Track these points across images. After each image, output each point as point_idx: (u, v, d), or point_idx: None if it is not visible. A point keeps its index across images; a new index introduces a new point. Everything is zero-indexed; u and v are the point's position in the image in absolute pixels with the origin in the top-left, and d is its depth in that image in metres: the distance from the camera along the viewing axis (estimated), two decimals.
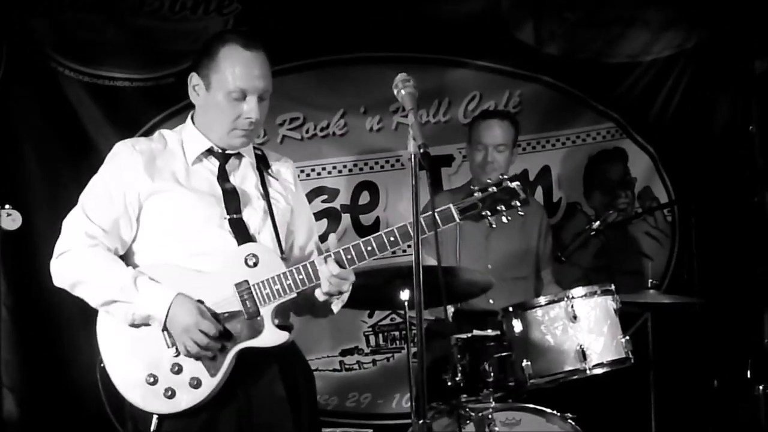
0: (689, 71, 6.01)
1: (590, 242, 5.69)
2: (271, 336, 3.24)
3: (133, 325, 3.22)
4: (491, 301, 4.82)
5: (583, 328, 4.22)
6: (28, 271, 4.82)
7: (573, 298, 4.24)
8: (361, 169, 5.64)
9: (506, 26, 5.78)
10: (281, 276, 3.24)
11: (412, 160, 2.98)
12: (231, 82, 3.28)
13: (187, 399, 3.19)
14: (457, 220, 3.27)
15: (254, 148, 3.52)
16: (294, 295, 3.25)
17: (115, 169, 3.34)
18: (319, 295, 3.28)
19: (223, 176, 3.37)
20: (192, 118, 3.45)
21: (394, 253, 3.39)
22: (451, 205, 3.28)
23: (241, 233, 3.30)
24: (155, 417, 3.19)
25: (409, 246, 3.15)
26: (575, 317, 4.22)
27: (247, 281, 3.23)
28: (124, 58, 5.24)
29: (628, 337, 4.28)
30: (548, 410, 4.22)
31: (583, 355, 4.17)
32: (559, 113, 5.90)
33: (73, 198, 3.38)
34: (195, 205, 3.29)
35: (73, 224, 3.30)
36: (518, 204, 3.30)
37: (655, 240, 6.07)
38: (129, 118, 5.22)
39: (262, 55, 3.34)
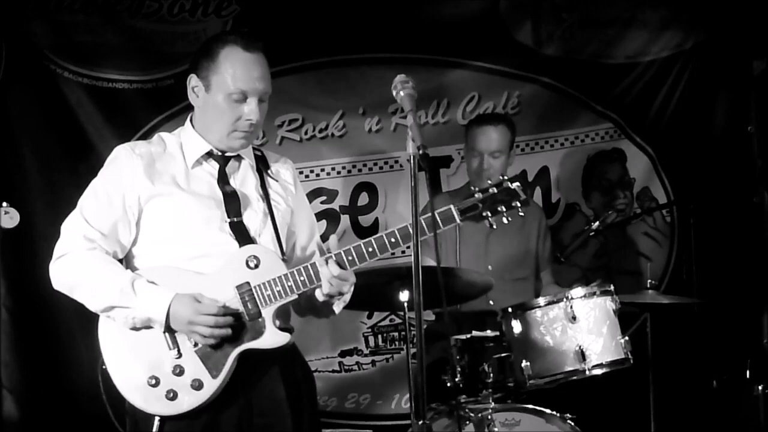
0: (688, 72, 6.02)
1: (589, 243, 5.71)
2: (272, 337, 3.24)
3: (134, 329, 3.22)
4: (491, 302, 4.83)
5: (583, 329, 4.23)
6: (28, 272, 4.82)
7: (572, 298, 4.25)
8: (359, 170, 5.64)
9: (505, 27, 5.78)
10: (282, 277, 3.23)
11: (411, 161, 2.97)
12: (231, 84, 3.28)
13: (188, 400, 3.19)
14: (458, 221, 3.27)
15: (254, 149, 3.52)
16: (295, 296, 3.25)
17: (114, 172, 3.33)
18: (320, 296, 3.28)
19: (223, 179, 3.37)
20: (191, 120, 3.45)
21: (393, 254, 3.39)
22: (451, 206, 3.28)
23: (242, 236, 3.30)
24: (157, 419, 3.19)
25: (408, 247, 3.15)
26: (574, 318, 4.22)
27: (248, 283, 3.23)
28: (123, 59, 5.24)
29: (627, 338, 4.29)
30: (548, 411, 4.22)
31: (582, 356, 4.18)
32: (557, 114, 5.90)
33: (72, 199, 3.38)
34: (195, 208, 3.29)
35: (71, 228, 3.29)
36: (519, 205, 3.30)
37: (653, 240, 6.08)
38: (128, 120, 5.22)
39: (262, 56, 3.34)
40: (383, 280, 4.13)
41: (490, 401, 4.23)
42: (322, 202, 5.54)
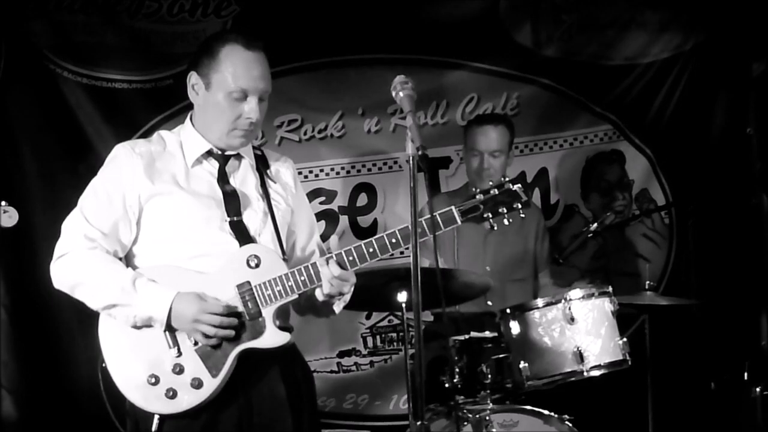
0: (687, 73, 6.02)
1: (588, 244, 5.71)
2: (272, 337, 3.24)
3: (135, 327, 3.22)
4: (489, 302, 4.83)
5: (581, 330, 4.23)
6: (27, 272, 4.83)
7: (570, 300, 4.25)
8: (359, 170, 5.64)
9: (504, 28, 5.78)
10: (283, 277, 3.24)
11: (411, 161, 2.97)
12: (232, 82, 3.28)
13: (188, 399, 3.19)
14: (459, 222, 3.27)
15: (254, 148, 3.52)
16: (295, 296, 3.26)
17: (114, 171, 3.33)
18: (320, 295, 3.28)
19: (223, 178, 3.37)
20: (191, 118, 3.45)
21: (392, 255, 3.39)
22: (453, 207, 3.28)
23: (242, 235, 3.30)
24: (156, 417, 3.19)
25: (407, 248, 3.15)
26: (573, 319, 4.23)
27: (249, 282, 3.24)
28: (123, 59, 5.24)
29: (625, 339, 4.29)
30: (546, 412, 4.23)
31: (580, 357, 4.18)
32: (556, 115, 5.90)
33: (71, 199, 3.38)
34: (195, 207, 3.29)
35: (72, 227, 3.29)
36: (520, 206, 3.30)
37: (652, 242, 6.08)
38: (127, 120, 5.22)
39: (262, 55, 3.34)
40: (382, 281, 4.13)
41: (489, 402, 4.23)
42: (321, 203, 5.54)
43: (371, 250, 3.25)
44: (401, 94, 3.10)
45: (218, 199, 3.33)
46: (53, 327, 5.02)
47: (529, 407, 4.24)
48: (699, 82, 6.02)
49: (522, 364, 4.20)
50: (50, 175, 5.10)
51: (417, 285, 2.96)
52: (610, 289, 4.36)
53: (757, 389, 5.13)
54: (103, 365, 3.25)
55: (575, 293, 4.29)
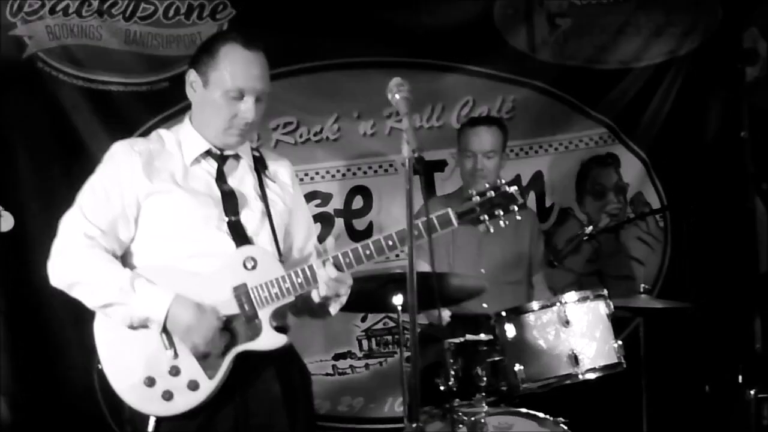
0: (681, 77, 6.04)
1: (583, 247, 5.72)
2: (269, 339, 3.24)
3: (132, 328, 3.21)
4: (484, 305, 4.83)
5: (576, 333, 4.23)
6: (21, 275, 4.81)
7: (565, 303, 4.25)
8: (354, 173, 5.64)
9: (499, 32, 5.80)
10: (279, 279, 3.24)
11: (406, 164, 2.97)
12: (229, 81, 3.28)
13: (184, 401, 3.19)
14: (455, 224, 3.28)
15: (252, 149, 3.52)
16: (292, 298, 3.26)
17: (113, 169, 3.33)
18: (316, 297, 3.28)
19: (221, 178, 3.37)
20: (189, 117, 3.45)
21: (387, 258, 3.39)
22: (449, 210, 3.29)
23: (239, 235, 3.30)
24: (152, 419, 3.19)
25: (403, 250, 3.16)
26: (568, 322, 4.22)
27: (245, 284, 3.24)
28: (118, 62, 5.23)
29: (620, 342, 4.29)
30: (540, 415, 4.21)
31: (575, 360, 4.18)
32: (551, 119, 5.92)
33: (67, 201, 3.36)
34: (193, 206, 3.29)
35: (70, 224, 3.28)
36: (516, 208, 3.31)
37: (647, 245, 6.10)
38: (122, 123, 5.20)
39: (262, 56, 3.34)
40: (377, 284, 4.14)
41: (483, 405, 4.22)
42: (316, 205, 5.53)
43: (368, 252, 3.25)
44: (397, 96, 3.09)
45: (216, 198, 3.34)
46: (48, 329, 5.00)
47: (524, 410, 4.23)
48: (693, 86, 6.04)
49: (517, 367, 4.19)
50: (45, 177, 5.07)
51: (412, 287, 2.96)
52: (605, 292, 4.36)
53: (751, 392, 5.14)
54: (99, 367, 3.24)
55: (570, 296, 4.28)
